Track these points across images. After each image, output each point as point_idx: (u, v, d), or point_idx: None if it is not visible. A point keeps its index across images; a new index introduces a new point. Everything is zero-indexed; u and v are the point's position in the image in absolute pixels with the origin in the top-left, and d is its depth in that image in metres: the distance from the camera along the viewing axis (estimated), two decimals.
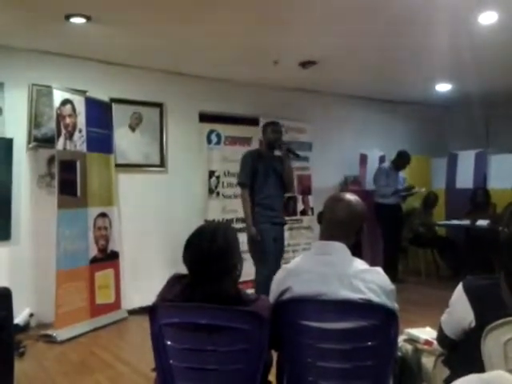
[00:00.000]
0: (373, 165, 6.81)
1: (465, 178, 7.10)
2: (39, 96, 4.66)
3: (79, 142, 4.54)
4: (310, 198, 6.49)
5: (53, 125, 4.41)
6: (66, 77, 4.74)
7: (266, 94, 6.18)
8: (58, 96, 4.35)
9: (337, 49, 4.80)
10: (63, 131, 4.37)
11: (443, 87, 6.66)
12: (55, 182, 4.34)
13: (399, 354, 2.03)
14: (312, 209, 6.46)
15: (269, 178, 4.32)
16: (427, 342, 2.06)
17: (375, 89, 6.75)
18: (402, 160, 6.38)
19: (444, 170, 7.42)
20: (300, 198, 6.42)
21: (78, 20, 3.89)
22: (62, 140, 4.35)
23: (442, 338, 1.86)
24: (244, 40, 4.48)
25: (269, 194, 4.30)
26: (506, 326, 1.51)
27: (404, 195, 6.43)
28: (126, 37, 4.37)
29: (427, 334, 2.13)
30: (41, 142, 4.67)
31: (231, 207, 5.71)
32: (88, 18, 3.87)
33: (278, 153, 4.48)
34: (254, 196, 4.29)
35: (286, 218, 6.22)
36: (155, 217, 5.36)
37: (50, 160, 4.67)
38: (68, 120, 4.43)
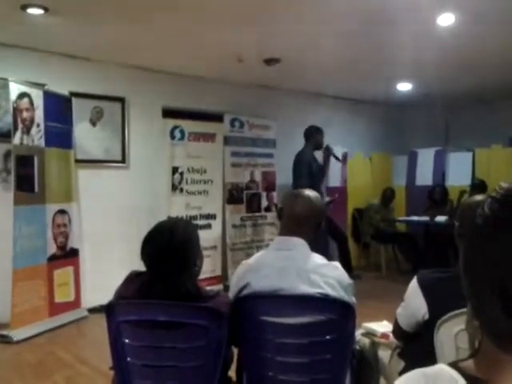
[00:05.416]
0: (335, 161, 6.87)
1: (424, 176, 7.28)
2: None
3: (37, 137, 4.40)
4: (274, 194, 6.52)
5: (9, 119, 4.27)
6: (24, 70, 4.59)
7: (231, 90, 6.16)
8: (15, 89, 4.21)
9: (300, 47, 4.82)
10: (20, 125, 4.23)
11: (404, 86, 6.80)
12: (11, 178, 4.20)
13: (357, 347, 2.06)
14: (276, 205, 6.48)
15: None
16: (384, 336, 2.11)
17: (338, 87, 6.83)
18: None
19: (405, 167, 7.59)
20: (264, 194, 6.44)
21: (35, 11, 3.76)
22: (18, 134, 4.21)
23: (397, 330, 1.91)
24: (207, 36, 4.44)
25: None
26: (457, 318, 1.56)
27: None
28: (87, 29, 4.25)
29: (384, 327, 2.18)
30: None
31: (195, 204, 5.67)
32: (46, 9, 3.74)
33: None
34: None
35: (250, 215, 6.32)
36: (116, 213, 5.26)
37: (6, 155, 4.51)
38: (25, 114, 4.29)
